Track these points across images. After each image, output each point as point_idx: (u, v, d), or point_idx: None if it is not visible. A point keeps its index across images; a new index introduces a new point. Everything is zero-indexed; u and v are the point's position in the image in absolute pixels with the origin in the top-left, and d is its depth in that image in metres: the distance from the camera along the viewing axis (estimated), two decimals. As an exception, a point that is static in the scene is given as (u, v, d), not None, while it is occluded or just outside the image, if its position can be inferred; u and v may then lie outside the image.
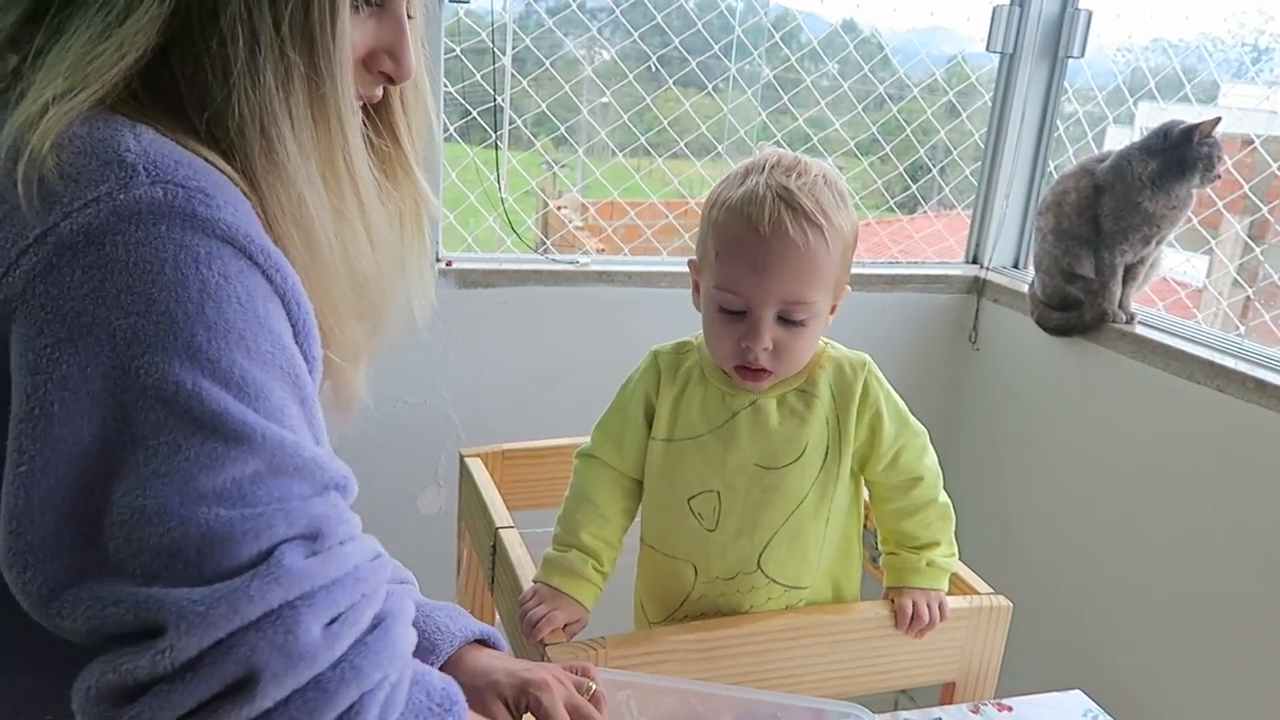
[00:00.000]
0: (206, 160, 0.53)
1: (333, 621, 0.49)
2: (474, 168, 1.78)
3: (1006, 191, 2.01)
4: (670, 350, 1.00)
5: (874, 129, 2.03)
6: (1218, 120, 1.52)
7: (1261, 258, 1.61)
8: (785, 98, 1.94)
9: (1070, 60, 1.95)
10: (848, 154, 2.05)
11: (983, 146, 2.05)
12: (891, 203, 2.15)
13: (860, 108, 2.00)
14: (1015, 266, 2.05)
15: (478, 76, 1.72)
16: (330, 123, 0.57)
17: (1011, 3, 1.95)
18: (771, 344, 0.89)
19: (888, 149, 2.05)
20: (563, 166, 2.04)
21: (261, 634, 0.47)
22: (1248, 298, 1.66)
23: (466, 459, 1.22)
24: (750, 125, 1.95)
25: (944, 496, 1.03)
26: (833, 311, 0.94)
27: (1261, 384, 1.43)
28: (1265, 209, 1.62)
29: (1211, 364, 1.50)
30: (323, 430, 0.57)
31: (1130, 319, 1.68)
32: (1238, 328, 1.60)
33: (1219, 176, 1.56)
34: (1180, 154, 1.54)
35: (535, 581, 0.96)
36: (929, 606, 0.95)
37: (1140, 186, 1.57)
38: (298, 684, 0.47)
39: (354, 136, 0.59)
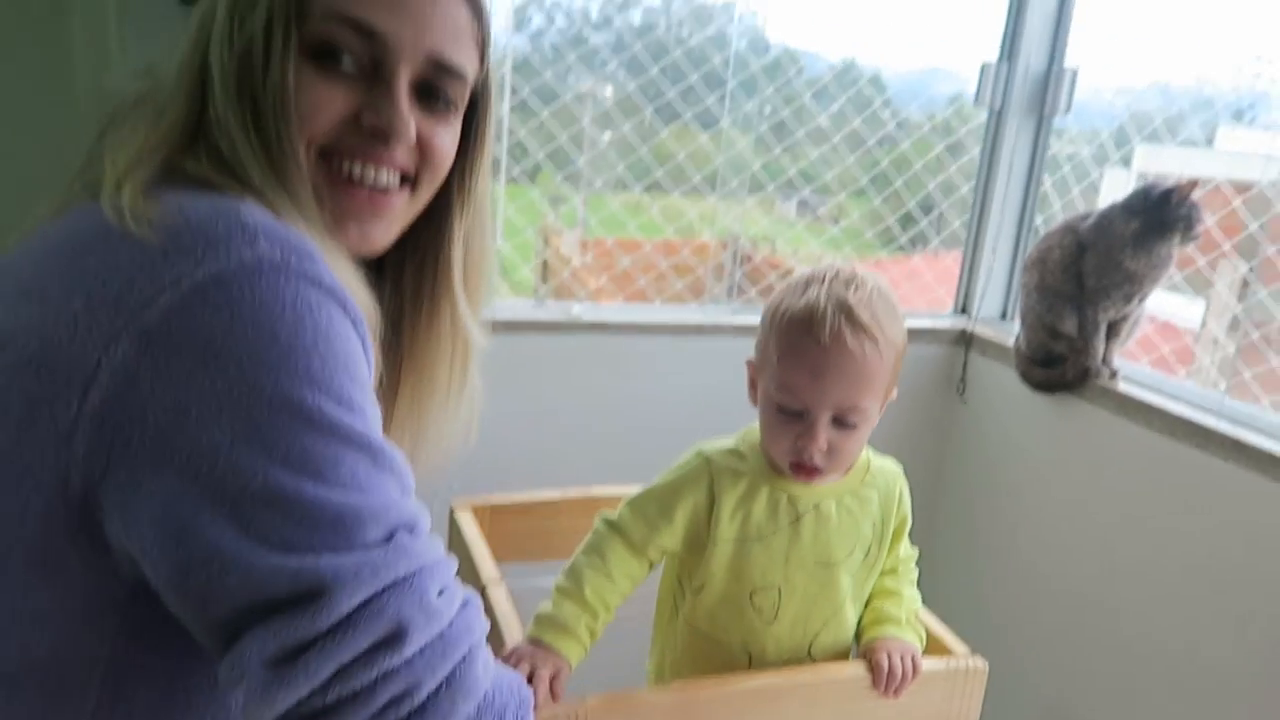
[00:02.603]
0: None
1: (441, 592, 0.59)
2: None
3: (993, 244, 2.04)
4: (723, 454, 1.03)
5: (862, 179, 2.07)
6: (1195, 183, 1.55)
7: (1267, 302, 1.63)
8: (778, 144, 1.99)
9: (1057, 115, 1.99)
10: (851, 194, 2.10)
11: (971, 199, 2.09)
12: (900, 240, 2.18)
13: (859, 150, 2.05)
14: (1003, 318, 2.08)
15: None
16: (279, 173, 0.67)
17: (1000, 59, 2.00)
18: (826, 445, 0.95)
19: (878, 198, 2.09)
20: (566, 204, 2.07)
21: (402, 594, 0.56)
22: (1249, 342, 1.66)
23: (456, 512, 1.23)
24: (746, 169, 1.99)
25: (915, 569, 1.10)
26: (880, 412, 1.00)
27: (1240, 445, 1.45)
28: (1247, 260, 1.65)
29: (1192, 423, 1.53)
30: None
31: (1113, 375, 1.71)
32: (1236, 373, 1.61)
33: (1198, 236, 1.59)
34: (1161, 214, 1.58)
35: (527, 638, 0.97)
36: (903, 660, 0.97)
37: (1122, 245, 1.61)
38: (430, 637, 0.57)
39: (304, 191, 0.69)
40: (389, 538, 0.57)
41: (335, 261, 0.64)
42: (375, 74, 0.70)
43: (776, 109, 1.98)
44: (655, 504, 1.02)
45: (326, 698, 0.54)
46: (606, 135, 1.95)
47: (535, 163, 1.87)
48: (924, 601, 1.09)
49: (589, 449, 1.65)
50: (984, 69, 2.00)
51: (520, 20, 1.87)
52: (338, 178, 0.72)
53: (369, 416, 0.60)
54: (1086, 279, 1.67)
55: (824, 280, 0.95)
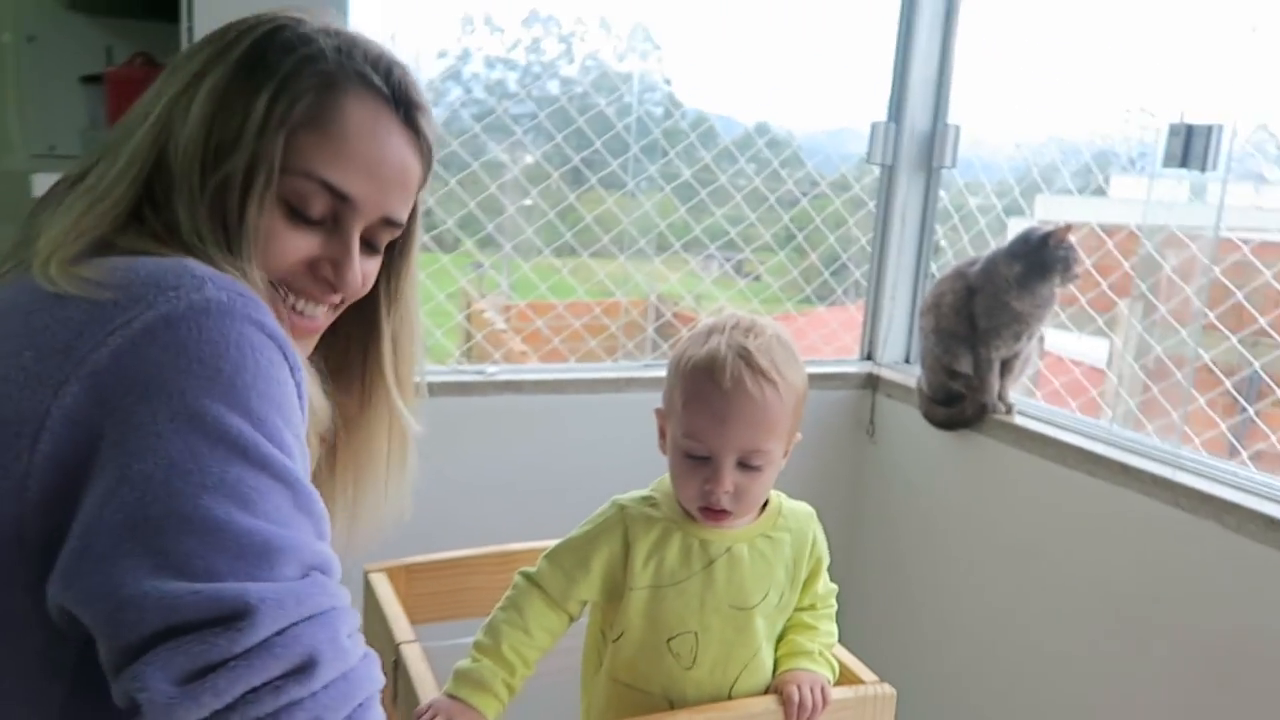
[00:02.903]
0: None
1: (350, 635, 0.60)
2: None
3: (892, 292, 2.14)
4: (637, 502, 1.05)
5: (768, 235, 2.15)
6: (1069, 227, 1.66)
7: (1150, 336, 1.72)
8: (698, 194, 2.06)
9: (945, 170, 2.11)
10: (763, 248, 2.17)
11: (870, 250, 2.19)
12: (807, 292, 2.26)
13: (762, 207, 2.13)
14: (906, 361, 2.16)
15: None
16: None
17: (888, 119, 2.11)
18: (732, 487, 0.98)
19: (781, 253, 2.17)
20: (485, 268, 2.10)
21: (317, 628, 0.57)
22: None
23: (370, 575, 1.23)
24: (667, 221, 2.05)
25: (834, 603, 1.12)
26: (785, 455, 1.03)
27: (1125, 468, 1.54)
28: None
29: (1081, 450, 1.61)
30: None
31: (1009, 409, 1.79)
32: (1139, 416, 1.69)
33: (1078, 276, 1.70)
34: (1040, 257, 1.68)
35: (445, 694, 0.98)
36: (813, 690, 1.00)
37: (1007, 288, 1.70)
38: (337, 674, 0.58)
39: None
40: (305, 575, 0.59)
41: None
42: (334, 226, 0.76)
43: (692, 170, 2.06)
44: (571, 556, 1.04)
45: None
46: (528, 201, 2.00)
47: (452, 232, 1.91)
48: (846, 634, 1.12)
49: (507, 507, 1.66)
50: (874, 127, 2.11)
51: (438, 94, 1.92)
52: (279, 303, 0.76)
53: (296, 459, 0.63)
54: (978, 320, 1.76)
55: (724, 329, 1.00)
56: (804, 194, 2.18)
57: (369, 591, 1.22)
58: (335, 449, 0.87)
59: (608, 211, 2.02)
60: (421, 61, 1.86)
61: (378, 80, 0.75)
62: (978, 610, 1.82)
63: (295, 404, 0.65)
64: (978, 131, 2.07)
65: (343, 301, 0.81)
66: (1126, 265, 1.74)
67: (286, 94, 0.71)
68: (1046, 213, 1.97)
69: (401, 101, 0.76)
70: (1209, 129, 1.52)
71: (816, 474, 2.05)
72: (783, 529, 1.06)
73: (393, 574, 1.25)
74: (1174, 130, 1.55)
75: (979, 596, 1.82)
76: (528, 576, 1.05)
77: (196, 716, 0.53)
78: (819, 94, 2.16)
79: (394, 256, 0.85)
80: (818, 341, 2.23)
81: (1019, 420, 1.76)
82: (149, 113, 0.72)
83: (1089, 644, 1.60)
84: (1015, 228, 2.01)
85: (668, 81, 2.10)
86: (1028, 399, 1.85)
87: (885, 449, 2.06)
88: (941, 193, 2.12)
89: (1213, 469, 1.48)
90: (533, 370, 1.89)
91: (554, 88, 2.00)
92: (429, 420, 1.74)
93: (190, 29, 1.39)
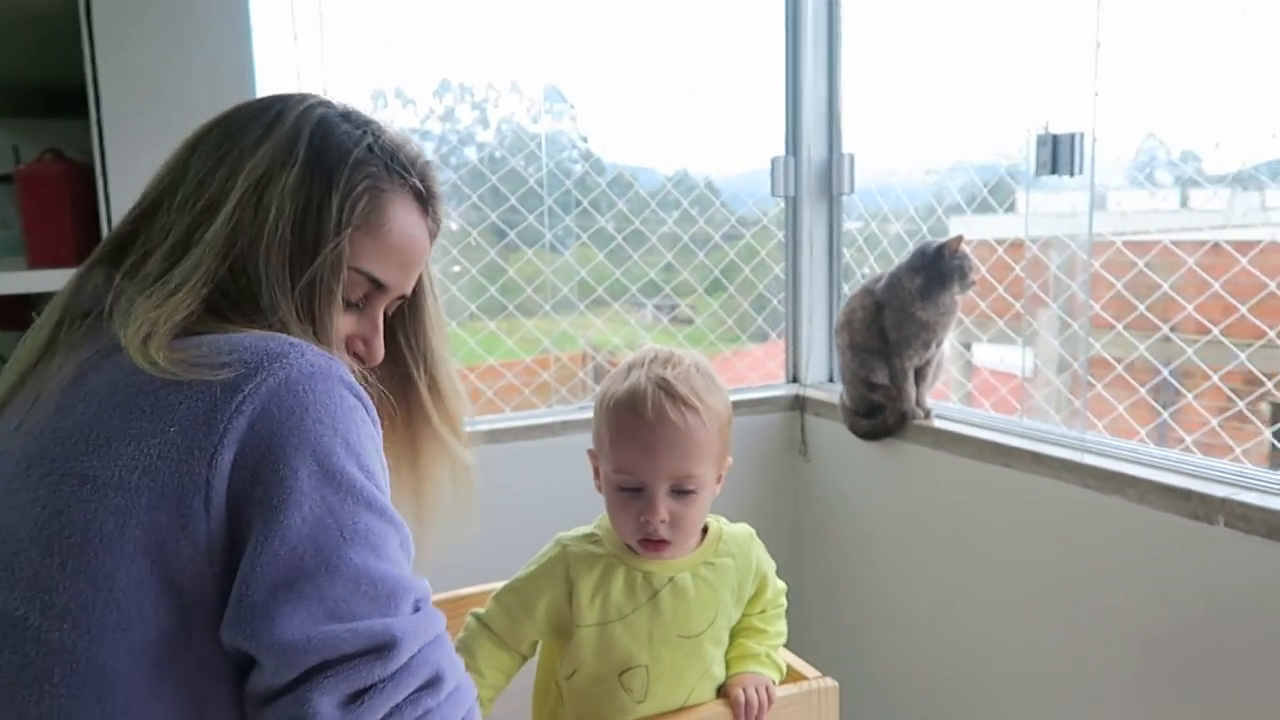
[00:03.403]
0: None
1: (454, 651, 0.73)
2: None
3: (809, 315, 2.24)
4: (579, 539, 1.08)
5: (686, 274, 2.24)
6: (960, 238, 1.78)
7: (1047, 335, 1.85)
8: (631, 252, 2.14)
9: (845, 196, 2.23)
10: (687, 290, 2.26)
11: (783, 278, 2.29)
12: (728, 323, 2.35)
13: (675, 248, 2.22)
14: (830, 380, 2.26)
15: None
16: None
17: (787, 154, 2.23)
18: (668, 515, 1.01)
19: (700, 289, 2.26)
20: None
21: (438, 649, 0.70)
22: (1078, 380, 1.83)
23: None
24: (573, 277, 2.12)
25: (784, 602, 1.16)
26: (718, 481, 1.07)
27: (1037, 456, 1.64)
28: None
29: (995, 444, 1.71)
30: None
31: (927, 414, 1.89)
32: (1071, 408, 1.79)
33: (974, 283, 1.81)
34: (938, 268, 1.79)
35: None
36: (758, 691, 1.05)
37: (911, 299, 1.81)
38: (455, 685, 0.70)
39: None
40: (418, 607, 0.70)
41: None
42: (364, 306, 0.85)
43: (610, 221, 2.15)
44: (515, 597, 1.08)
45: None
46: (455, 268, 2.05)
47: None
48: (794, 641, 1.16)
49: (456, 553, 1.69)
50: (774, 162, 2.23)
51: None
52: None
53: (388, 498, 0.73)
54: (889, 333, 1.86)
55: (644, 363, 1.04)
56: (722, 234, 2.27)
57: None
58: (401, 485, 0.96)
59: (533, 268, 2.09)
60: None
61: (415, 180, 0.84)
62: (919, 604, 1.90)
63: (381, 453, 0.74)
64: (888, 160, 2.18)
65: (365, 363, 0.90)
66: (1018, 269, 1.86)
67: (350, 198, 0.79)
68: (966, 230, 2.05)
69: (428, 196, 0.86)
70: (1072, 136, 1.66)
71: (755, 495, 2.13)
72: (725, 554, 1.09)
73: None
74: (1041, 140, 1.69)
75: (919, 592, 1.90)
76: (478, 618, 1.09)
77: None
78: (727, 138, 2.27)
79: (408, 315, 0.93)
80: (745, 370, 2.32)
81: (938, 424, 1.86)
82: (213, 202, 0.77)
83: (1020, 624, 1.68)
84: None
85: (584, 139, 2.19)
86: (941, 401, 1.95)
87: (818, 465, 2.15)
88: (846, 219, 2.24)
89: (1116, 449, 1.59)
90: (470, 422, 1.93)
91: (471, 154, 2.08)
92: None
93: (100, 123, 1.43)
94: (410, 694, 0.67)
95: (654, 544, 1.03)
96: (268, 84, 1.70)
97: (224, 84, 1.48)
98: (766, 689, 1.06)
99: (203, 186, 0.78)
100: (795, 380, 2.28)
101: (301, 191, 0.78)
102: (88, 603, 0.64)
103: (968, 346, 2.13)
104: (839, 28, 2.19)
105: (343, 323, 0.83)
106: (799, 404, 2.20)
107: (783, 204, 2.27)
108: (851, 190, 2.21)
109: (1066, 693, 1.62)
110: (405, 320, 0.93)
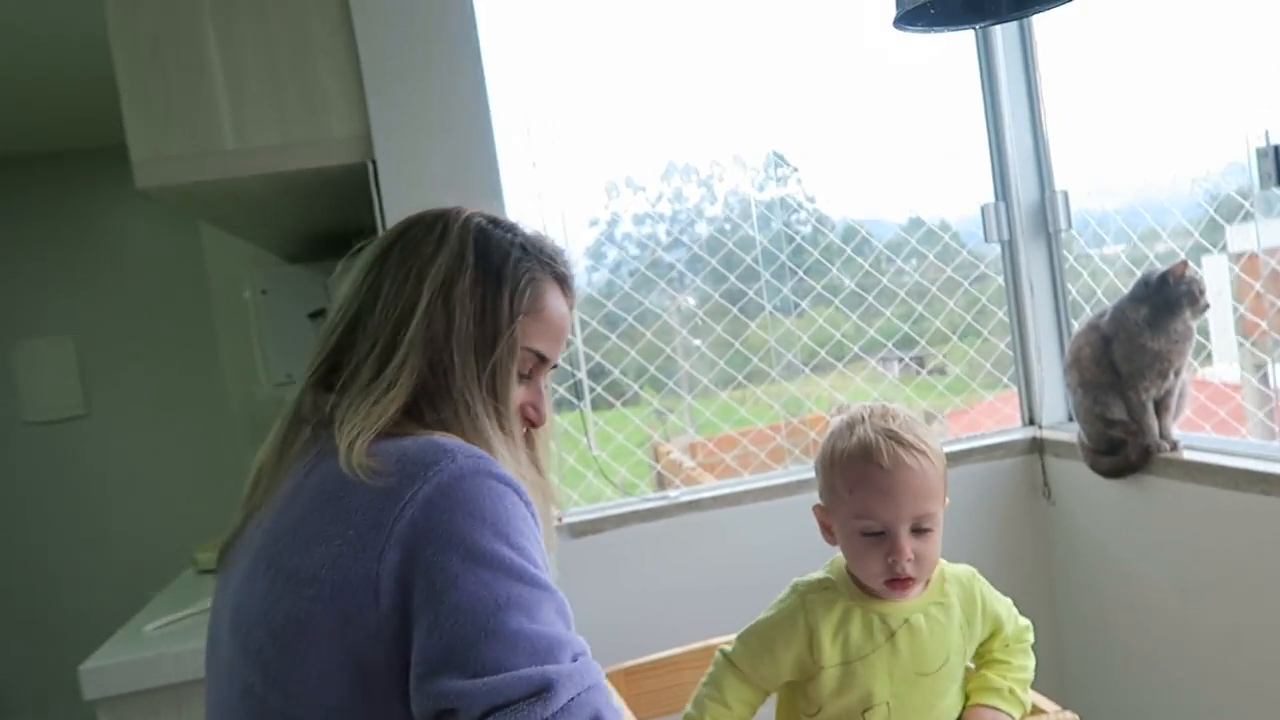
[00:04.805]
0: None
1: (613, 700, 0.80)
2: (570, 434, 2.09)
3: (1038, 355, 2.21)
4: (815, 585, 1.18)
5: (956, 330, 2.29)
6: (1185, 263, 1.73)
7: None
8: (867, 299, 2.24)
9: (1064, 233, 2.21)
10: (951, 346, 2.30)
11: (1008, 321, 2.28)
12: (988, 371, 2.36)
13: (925, 301, 2.28)
14: (1070, 421, 2.21)
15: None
16: (510, 438, 0.93)
17: (996, 199, 2.25)
18: (912, 554, 1.10)
19: (918, 350, 2.30)
20: (667, 412, 2.29)
21: (596, 694, 0.77)
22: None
23: (596, 681, 1.42)
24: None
25: (1030, 636, 1.20)
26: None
27: (1298, 481, 1.55)
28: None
29: (1251, 472, 1.63)
30: None
31: (1174, 446, 1.82)
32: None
33: (1208, 306, 1.75)
34: (1164, 296, 1.75)
35: None
36: None
37: (1139, 331, 1.77)
38: None
39: (518, 452, 0.95)
40: (575, 658, 0.78)
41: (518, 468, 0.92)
42: (532, 377, 0.99)
43: (850, 279, 2.24)
44: (758, 639, 1.18)
45: None
46: (697, 342, 2.20)
47: (617, 382, 2.13)
48: (1053, 686, 1.19)
49: (705, 610, 1.82)
50: (984, 209, 2.25)
51: (596, 256, 2.19)
52: None
53: (546, 572, 0.82)
54: (1120, 366, 1.82)
55: (864, 419, 1.14)
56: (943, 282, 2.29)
57: (596, 696, 1.41)
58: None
59: (760, 340, 2.18)
60: (569, 230, 2.14)
61: (560, 268, 0.99)
62: (1183, 643, 1.81)
63: (534, 528, 0.84)
64: (1104, 188, 2.14)
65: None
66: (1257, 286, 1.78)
67: (518, 291, 0.93)
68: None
69: (568, 278, 1.01)
70: (1295, 145, 1.59)
71: (1000, 540, 2.11)
72: (951, 594, 1.15)
73: (613, 677, 1.43)
74: (1261, 153, 1.63)
75: (1182, 629, 1.81)
76: (725, 654, 1.19)
77: None
78: (938, 187, 2.32)
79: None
80: (979, 417, 2.31)
81: (1186, 455, 1.79)
82: (408, 309, 0.90)
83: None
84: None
85: (810, 199, 2.29)
86: (1191, 432, 1.87)
87: (1063, 507, 2.10)
88: (1069, 256, 2.21)
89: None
90: (709, 489, 2.08)
91: (702, 229, 2.22)
92: (627, 545, 1.95)
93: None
94: None
95: (901, 583, 1.10)
96: (509, 182, 1.97)
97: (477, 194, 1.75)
98: None
99: (398, 298, 0.91)
100: (1032, 423, 2.25)
101: (479, 290, 0.91)
102: (292, 675, 0.80)
103: (1259, 368, 1.99)
104: (1035, 65, 2.20)
105: (517, 394, 0.95)
106: (1037, 446, 2.17)
107: (999, 249, 2.28)
108: (1069, 226, 2.18)
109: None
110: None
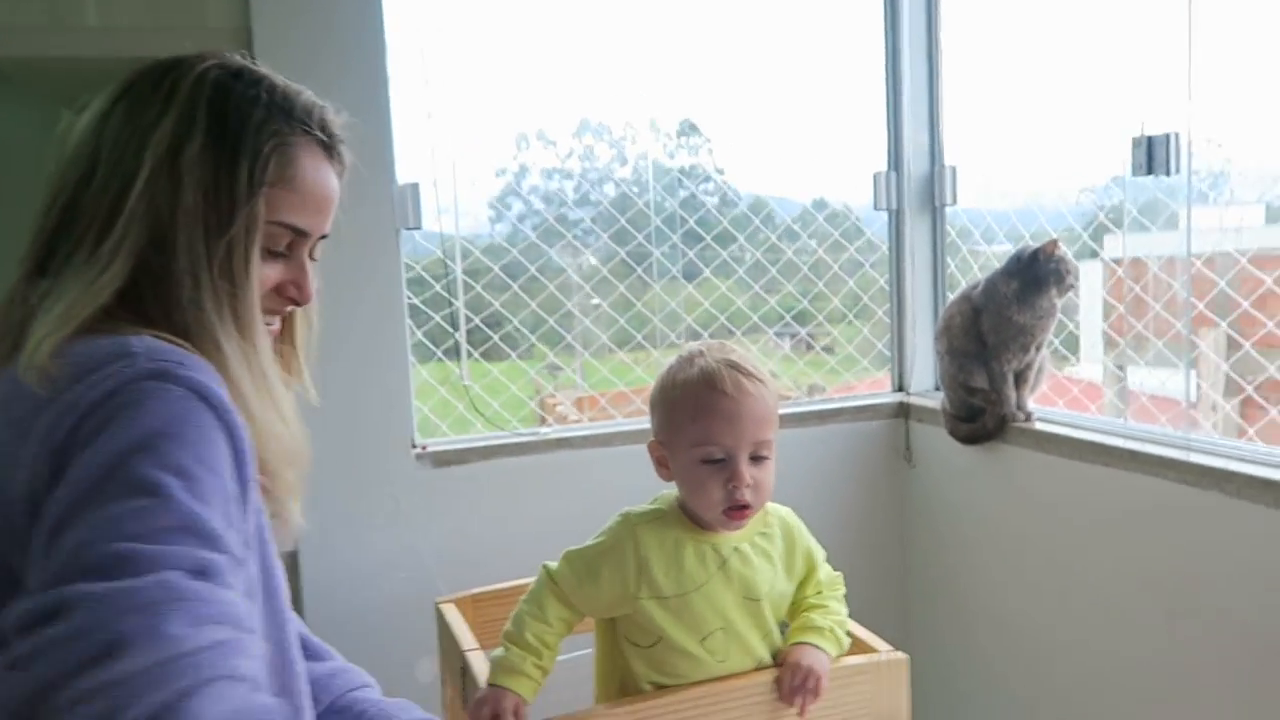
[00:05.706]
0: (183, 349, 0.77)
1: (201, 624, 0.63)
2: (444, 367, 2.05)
3: (913, 323, 2.27)
4: (647, 516, 1.18)
5: (806, 305, 2.32)
6: (1055, 242, 1.79)
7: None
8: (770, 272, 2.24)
9: (948, 208, 2.26)
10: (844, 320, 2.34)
11: (888, 289, 2.33)
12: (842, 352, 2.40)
13: (825, 278, 2.30)
14: (936, 389, 2.27)
15: (437, 287, 2.03)
16: (248, 333, 0.82)
17: (889, 168, 2.28)
18: (751, 481, 1.11)
19: (805, 318, 2.33)
20: (563, 366, 2.24)
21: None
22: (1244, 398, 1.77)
23: (441, 606, 1.40)
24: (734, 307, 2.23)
25: (842, 587, 1.23)
26: None
27: (1135, 454, 1.63)
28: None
29: (1096, 444, 1.71)
30: (252, 534, 0.76)
31: (1028, 417, 1.89)
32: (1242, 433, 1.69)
33: (1072, 287, 1.82)
34: (1034, 272, 1.81)
35: (486, 684, 1.12)
36: (813, 667, 1.11)
37: (1008, 303, 1.83)
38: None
39: (263, 342, 0.84)
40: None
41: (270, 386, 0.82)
42: (290, 253, 0.87)
43: (755, 252, 2.26)
44: (584, 563, 1.17)
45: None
46: (595, 301, 2.18)
47: (522, 335, 2.10)
48: (899, 643, 1.21)
49: (560, 545, 1.82)
50: (876, 177, 2.28)
51: (502, 206, 2.14)
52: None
53: (203, 486, 0.68)
54: (986, 337, 1.88)
55: (703, 353, 1.16)
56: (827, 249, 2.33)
57: (440, 620, 1.39)
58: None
59: (661, 302, 2.19)
60: (479, 182, 2.09)
61: (315, 130, 0.86)
62: (1021, 604, 1.91)
63: (212, 443, 0.70)
64: (990, 175, 2.19)
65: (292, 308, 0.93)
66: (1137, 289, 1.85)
67: (259, 160, 0.81)
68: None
69: (331, 141, 0.88)
70: (1167, 137, 1.65)
71: (863, 500, 2.16)
72: (773, 524, 1.20)
73: (460, 604, 1.41)
74: (1136, 142, 1.69)
75: (1021, 591, 1.90)
76: (549, 572, 1.18)
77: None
78: (835, 155, 2.34)
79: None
80: (863, 391, 2.36)
81: (1039, 426, 1.86)
82: (124, 185, 0.79)
83: (1125, 623, 1.67)
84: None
85: (720, 171, 2.30)
86: (1042, 406, 1.95)
87: (922, 470, 2.17)
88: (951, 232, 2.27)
89: (1219, 446, 1.57)
90: (580, 428, 2.06)
91: (610, 190, 2.21)
92: (491, 478, 1.93)
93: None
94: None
95: (739, 510, 1.12)
96: (401, 126, 1.90)
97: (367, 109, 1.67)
98: (820, 675, 1.12)
99: (118, 166, 0.79)
100: (901, 389, 2.31)
101: (209, 157, 0.79)
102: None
103: (1122, 369, 2.08)
104: (938, 38, 2.23)
105: (272, 272, 0.85)
106: (904, 411, 2.23)
107: (885, 217, 2.32)
108: (954, 202, 2.24)
109: (1169, 694, 1.59)
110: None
